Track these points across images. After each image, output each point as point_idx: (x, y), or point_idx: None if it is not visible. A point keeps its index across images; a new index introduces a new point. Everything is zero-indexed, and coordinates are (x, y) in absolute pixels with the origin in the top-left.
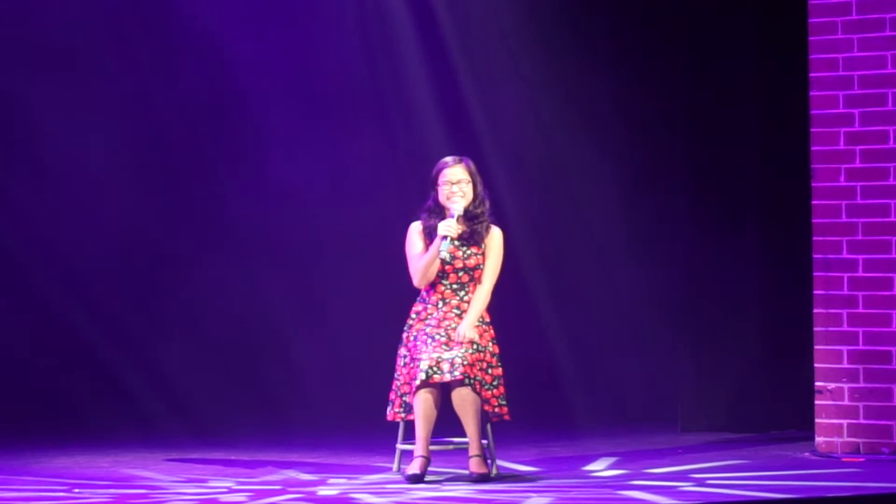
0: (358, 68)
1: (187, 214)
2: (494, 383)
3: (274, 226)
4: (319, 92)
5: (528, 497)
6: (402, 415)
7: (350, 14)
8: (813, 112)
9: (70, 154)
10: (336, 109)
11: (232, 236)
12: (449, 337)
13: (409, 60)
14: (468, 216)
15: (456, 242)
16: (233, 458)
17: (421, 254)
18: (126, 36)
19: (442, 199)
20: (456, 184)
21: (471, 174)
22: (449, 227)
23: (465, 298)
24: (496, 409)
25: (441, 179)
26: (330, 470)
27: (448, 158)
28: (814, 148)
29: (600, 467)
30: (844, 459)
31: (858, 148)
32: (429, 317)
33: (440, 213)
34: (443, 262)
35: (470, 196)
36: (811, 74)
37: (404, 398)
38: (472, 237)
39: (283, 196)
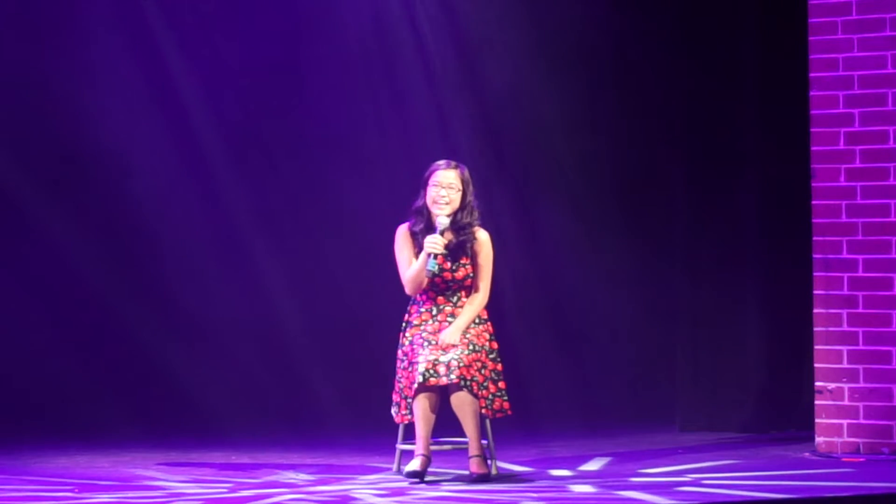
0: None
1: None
2: (493, 378)
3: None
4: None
5: (527, 497)
6: (409, 416)
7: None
8: (813, 112)
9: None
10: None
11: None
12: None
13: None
14: (455, 226)
15: (444, 252)
16: (233, 458)
17: (408, 261)
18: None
19: (429, 200)
20: (445, 188)
21: (462, 182)
22: (435, 245)
23: (459, 304)
24: (495, 407)
25: (432, 180)
26: (329, 470)
27: (442, 161)
28: (814, 148)
29: (598, 467)
30: (844, 459)
31: (858, 148)
32: (423, 322)
33: (427, 216)
34: (431, 274)
35: (456, 204)
36: (811, 74)
37: (408, 400)
38: (458, 249)
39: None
